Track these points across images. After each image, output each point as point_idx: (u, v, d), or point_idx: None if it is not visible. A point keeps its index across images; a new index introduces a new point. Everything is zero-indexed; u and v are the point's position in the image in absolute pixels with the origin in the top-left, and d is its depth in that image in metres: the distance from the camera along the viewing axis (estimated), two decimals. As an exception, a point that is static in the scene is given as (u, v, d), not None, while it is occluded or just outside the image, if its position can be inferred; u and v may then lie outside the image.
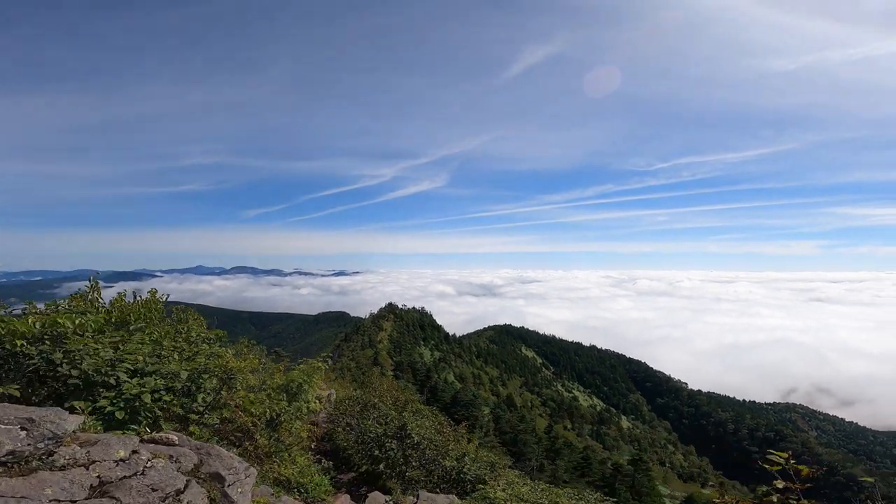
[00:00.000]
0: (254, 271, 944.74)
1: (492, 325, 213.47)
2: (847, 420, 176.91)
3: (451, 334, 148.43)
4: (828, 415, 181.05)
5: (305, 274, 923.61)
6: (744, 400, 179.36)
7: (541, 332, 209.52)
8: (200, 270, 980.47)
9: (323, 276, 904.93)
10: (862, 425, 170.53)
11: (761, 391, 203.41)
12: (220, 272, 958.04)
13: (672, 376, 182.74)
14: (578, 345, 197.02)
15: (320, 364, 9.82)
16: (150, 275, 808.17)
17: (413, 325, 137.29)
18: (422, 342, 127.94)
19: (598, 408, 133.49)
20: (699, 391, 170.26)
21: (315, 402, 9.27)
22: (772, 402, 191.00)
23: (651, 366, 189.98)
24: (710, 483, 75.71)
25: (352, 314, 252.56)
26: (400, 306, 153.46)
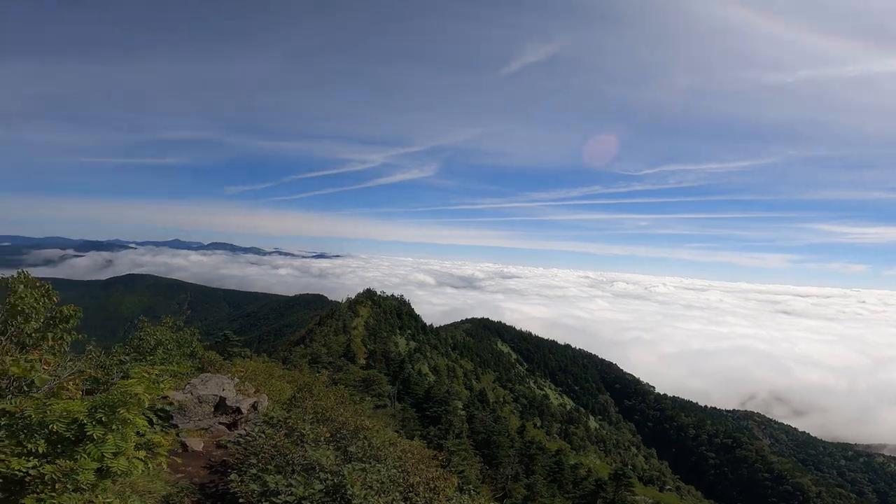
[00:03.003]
0: (232, 248, 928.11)
1: (469, 317, 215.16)
2: (800, 430, 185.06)
3: (428, 325, 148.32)
4: (782, 423, 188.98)
5: (285, 254, 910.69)
6: (706, 406, 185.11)
7: (517, 327, 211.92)
8: (177, 244, 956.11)
9: (303, 257, 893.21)
10: (813, 435, 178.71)
11: (722, 397, 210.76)
12: (198, 247, 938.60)
13: (641, 379, 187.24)
14: (553, 343, 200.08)
15: (156, 382, 6.09)
16: (123, 245, 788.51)
17: (390, 312, 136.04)
18: (398, 331, 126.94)
19: (568, 407, 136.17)
20: (665, 395, 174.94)
21: (139, 461, 5.19)
22: (732, 408, 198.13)
23: (621, 367, 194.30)
24: (668, 487, 78.21)
25: (329, 297, 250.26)
26: (378, 293, 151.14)
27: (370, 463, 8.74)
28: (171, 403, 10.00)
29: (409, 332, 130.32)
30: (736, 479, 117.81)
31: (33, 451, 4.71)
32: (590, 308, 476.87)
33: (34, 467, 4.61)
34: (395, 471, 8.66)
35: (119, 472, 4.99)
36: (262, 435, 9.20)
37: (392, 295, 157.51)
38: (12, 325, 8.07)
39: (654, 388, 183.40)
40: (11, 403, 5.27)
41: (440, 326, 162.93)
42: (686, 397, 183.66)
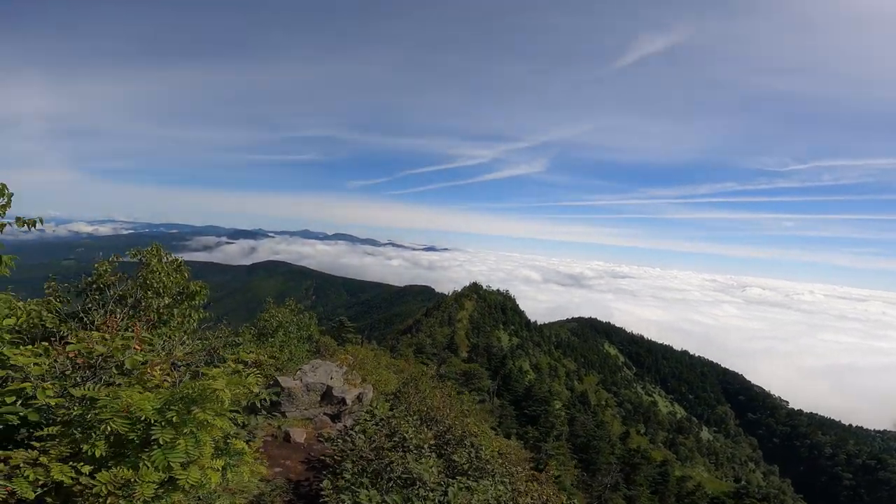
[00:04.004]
0: (351, 239, 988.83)
1: (576, 316, 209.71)
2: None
3: (532, 321, 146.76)
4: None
5: (398, 246, 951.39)
6: (850, 425, 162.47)
7: (628, 329, 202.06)
8: (306, 234, 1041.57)
9: (414, 249, 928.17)
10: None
11: (872, 417, 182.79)
12: (323, 237, 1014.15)
13: (771, 392, 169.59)
14: (668, 348, 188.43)
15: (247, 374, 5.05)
16: (264, 234, 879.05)
17: (495, 307, 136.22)
18: (501, 326, 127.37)
19: (679, 415, 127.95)
20: (799, 411, 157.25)
21: (215, 472, 4.14)
22: (882, 429, 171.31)
23: (748, 379, 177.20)
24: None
25: (436, 289, 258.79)
26: (484, 287, 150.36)
27: (476, 478, 7.66)
28: (279, 392, 10.28)
29: (512, 327, 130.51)
30: (872, 502, 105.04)
31: (89, 454, 3.71)
32: (714, 314, 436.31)
33: (87, 475, 3.64)
34: (502, 488, 7.57)
35: (188, 486, 3.93)
36: (362, 435, 8.47)
37: (497, 290, 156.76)
38: (143, 300, 7.94)
39: (787, 402, 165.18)
40: (91, 389, 4.21)
41: (544, 324, 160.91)
42: (826, 415, 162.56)
